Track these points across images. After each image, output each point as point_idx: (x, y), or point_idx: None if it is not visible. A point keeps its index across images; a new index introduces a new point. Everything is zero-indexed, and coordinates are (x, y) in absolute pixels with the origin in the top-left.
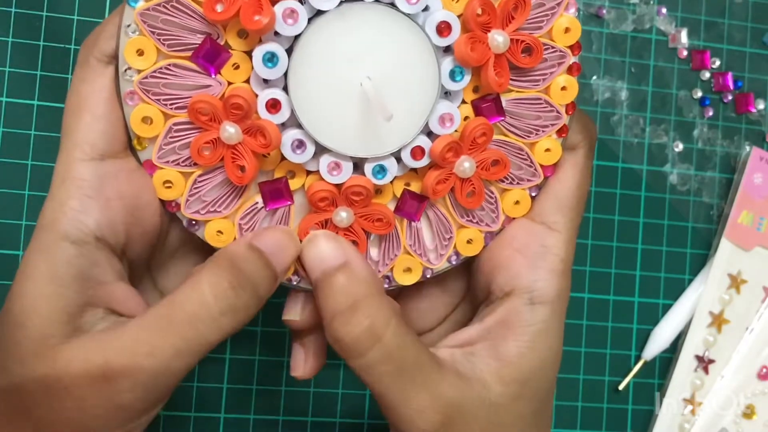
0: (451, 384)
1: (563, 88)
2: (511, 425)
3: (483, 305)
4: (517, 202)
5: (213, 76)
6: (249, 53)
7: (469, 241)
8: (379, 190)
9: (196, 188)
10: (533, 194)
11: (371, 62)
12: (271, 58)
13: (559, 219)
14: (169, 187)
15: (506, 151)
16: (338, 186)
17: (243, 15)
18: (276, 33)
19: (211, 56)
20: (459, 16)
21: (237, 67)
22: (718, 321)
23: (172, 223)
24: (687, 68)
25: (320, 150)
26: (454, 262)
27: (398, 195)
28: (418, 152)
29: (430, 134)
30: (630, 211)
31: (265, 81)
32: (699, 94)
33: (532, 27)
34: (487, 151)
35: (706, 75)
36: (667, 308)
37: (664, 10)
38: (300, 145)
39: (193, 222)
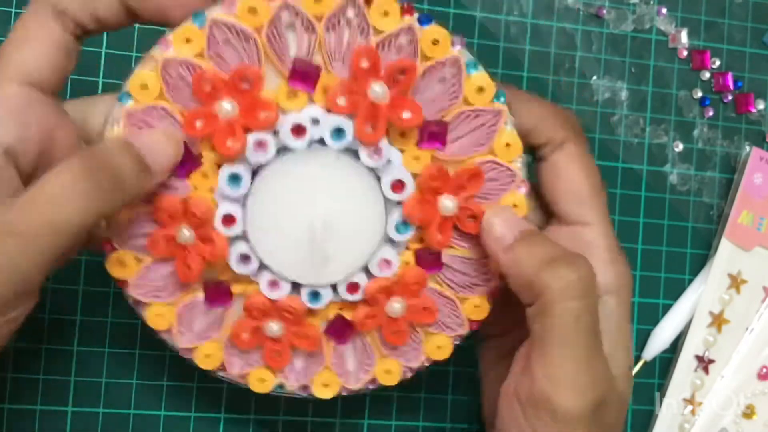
0: (607, 368)
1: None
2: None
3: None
4: (439, 347)
5: (181, 180)
6: (219, 166)
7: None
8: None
9: (145, 273)
10: (457, 342)
11: (326, 202)
12: (235, 179)
13: (586, 212)
14: (122, 266)
15: (438, 300)
16: (274, 300)
17: (216, 139)
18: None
19: (183, 161)
20: (415, 175)
21: (205, 176)
22: (718, 321)
23: None
24: (687, 68)
25: (263, 266)
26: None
27: (330, 318)
28: (353, 288)
29: (369, 272)
30: (630, 211)
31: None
32: (699, 94)
33: (481, 197)
34: (420, 297)
35: (706, 75)
36: (667, 308)
37: (664, 10)
38: (245, 258)
39: (138, 301)
